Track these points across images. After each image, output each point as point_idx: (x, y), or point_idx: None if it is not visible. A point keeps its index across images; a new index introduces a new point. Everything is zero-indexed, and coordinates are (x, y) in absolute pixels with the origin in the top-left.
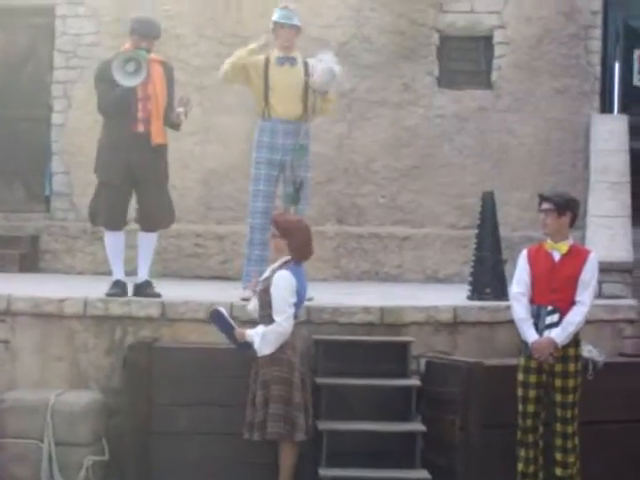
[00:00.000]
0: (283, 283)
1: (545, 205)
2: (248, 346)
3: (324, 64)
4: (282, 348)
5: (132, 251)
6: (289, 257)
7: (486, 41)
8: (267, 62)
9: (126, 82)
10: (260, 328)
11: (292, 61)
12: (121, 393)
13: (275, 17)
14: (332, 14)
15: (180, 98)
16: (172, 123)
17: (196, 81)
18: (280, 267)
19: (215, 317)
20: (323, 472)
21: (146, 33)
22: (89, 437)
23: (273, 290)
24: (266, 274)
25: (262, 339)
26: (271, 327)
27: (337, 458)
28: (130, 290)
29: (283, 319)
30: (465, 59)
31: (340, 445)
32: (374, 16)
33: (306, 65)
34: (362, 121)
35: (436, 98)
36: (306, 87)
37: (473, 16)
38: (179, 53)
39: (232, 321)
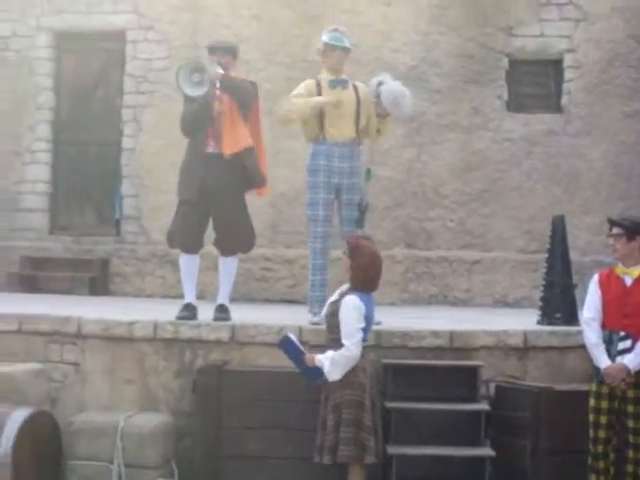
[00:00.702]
0: (351, 307)
1: (615, 230)
2: (318, 373)
3: (391, 86)
4: (354, 371)
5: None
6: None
7: (556, 65)
8: (319, 86)
9: (190, 91)
10: (329, 353)
11: (344, 84)
12: (191, 416)
13: (326, 39)
14: (401, 38)
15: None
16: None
17: (266, 106)
18: (348, 291)
19: (284, 342)
20: None
21: (212, 46)
22: (158, 460)
23: (342, 314)
24: (334, 297)
25: (331, 363)
26: (340, 351)
27: None
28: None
29: (352, 343)
30: (534, 83)
31: (409, 469)
32: (443, 40)
33: (355, 87)
34: (431, 145)
35: (505, 122)
36: (358, 109)
37: (543, 40)
38: (249, 78)
39: (301, 346)
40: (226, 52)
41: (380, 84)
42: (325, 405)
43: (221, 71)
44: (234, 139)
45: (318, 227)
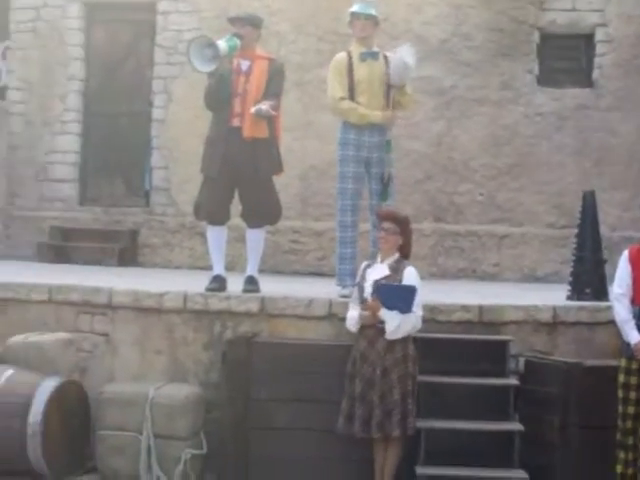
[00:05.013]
0: (417, 277)
1: None
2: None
3: (396, 57)
4: (411, 344)
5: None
6: (398, 254)
7: (587, 39)
8: (350, 59)
9: (200, 67)
10: (397, 315)
11: (374, 56)
12: (219, 387)
13: (351, 8)
14: (432, 11)
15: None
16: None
17: (295, 77)
18: (398, 263)
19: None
20: (420, 470)
21: (232, 17)
22: (187, 431)
23: (409, 283)
24: (385, 272)
25: (398, 326)
26: (409, 317)
27: (434, 457)
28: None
29: (421, 313)
30: (565, 57)
31: (437, 444)
32: (474, 13)
33: (386, 59)
34: (461, 119)
35: (536, 96)
36: (389, 82)
37: (574, 14)
38: (279, 49)
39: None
40: (245, 23)
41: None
42: (381, 378)
43: (271, 112)
44: (254, 124)
45: (347, 200)
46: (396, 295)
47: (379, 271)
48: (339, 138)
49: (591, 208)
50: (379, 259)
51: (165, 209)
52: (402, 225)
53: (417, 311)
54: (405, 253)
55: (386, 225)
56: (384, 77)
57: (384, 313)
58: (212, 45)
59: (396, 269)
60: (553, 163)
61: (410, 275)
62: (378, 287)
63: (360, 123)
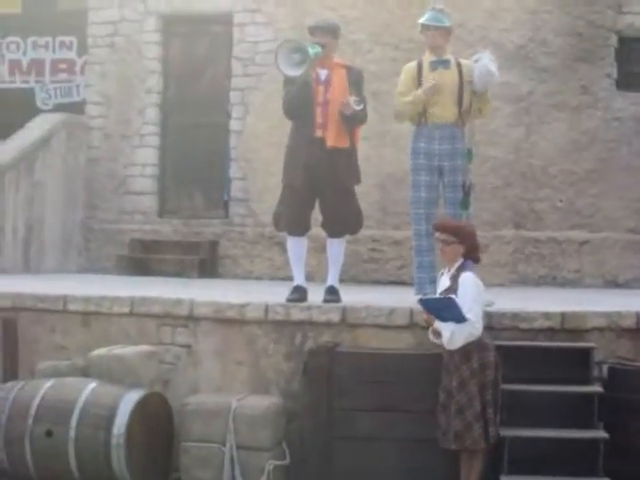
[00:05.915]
0: (472, 282)
1: None
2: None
3: (480, 64)
4: (488, 351)
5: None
6: (462, 260)
7: None
8: (420, 67)
9: (288, 71)
10: (450, 325)
11: (445, 64)
12: (301, 397)
13: (420, 19)
14: (508, 17)
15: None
16: (344, 116)
17: (372, 87)
18: (458, 271)
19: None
20: (505, 479)
21: (312, 27)
22: (270, 441)
23: (462, 290)
24: (446, 284)
25: (452, 336)
26: (463, 325)
27: (518, 465)
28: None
29: (476, 319)
30: None
31: (521, 452)
32: (551, 18)
33: (460, 66)
34: (540, 125)
35: (615, 101)
36: (461, 89)
37: None
38: (355, 59)
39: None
40: (325, 32)
41: (476, 61)
42: (458, 390)
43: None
44: (338, 134)
45: (420, 209)
46: (439, 308)
47: (443, 282)
48: (410, 147)
49: None
50: (447, 269)
51: (244, 220)
52: (458, 233)
53: (471, 317)
54: (473, 259)
55: (441, 236)
56: (456, 85)
57: (438, 325)
58: (301, 49)
59: (455, 277)
60: (633, 168)
61: (463, 282)
62: (419, 302)
63: (410, 108)
